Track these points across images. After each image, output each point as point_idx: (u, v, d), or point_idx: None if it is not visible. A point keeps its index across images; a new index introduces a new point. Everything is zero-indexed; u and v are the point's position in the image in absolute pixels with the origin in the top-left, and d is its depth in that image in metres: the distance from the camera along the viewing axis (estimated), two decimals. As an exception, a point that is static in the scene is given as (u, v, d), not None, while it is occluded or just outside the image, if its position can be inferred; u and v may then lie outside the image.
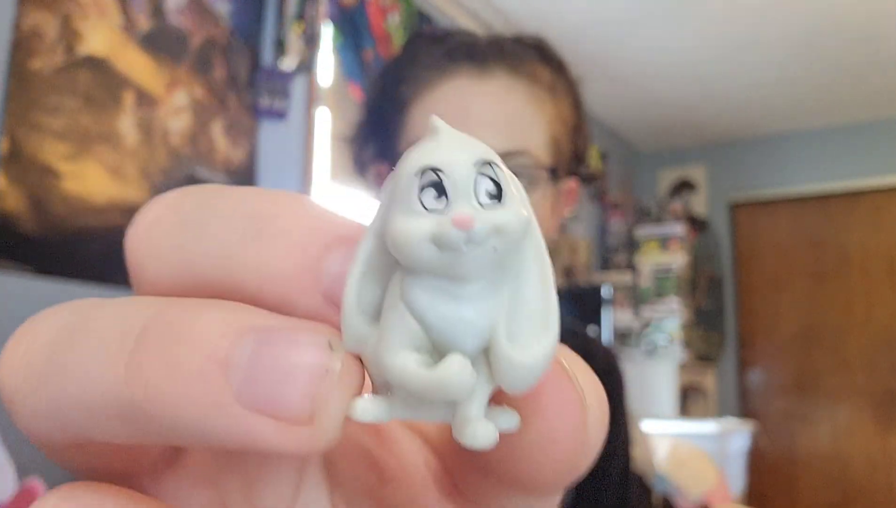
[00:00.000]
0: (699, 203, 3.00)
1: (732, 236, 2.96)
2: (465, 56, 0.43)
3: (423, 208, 0.09)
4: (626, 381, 0.54)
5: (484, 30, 1.97)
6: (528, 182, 0.43)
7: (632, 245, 2.66)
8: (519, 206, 0.09)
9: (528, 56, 0.45)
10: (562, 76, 0.47)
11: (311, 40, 1.30)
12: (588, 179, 0.51)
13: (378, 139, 0.47)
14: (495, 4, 1.93)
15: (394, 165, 0.37)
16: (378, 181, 0.48)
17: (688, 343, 2.45)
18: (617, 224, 2.70)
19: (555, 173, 0.45)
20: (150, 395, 0.08)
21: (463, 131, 0.35)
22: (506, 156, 0.42)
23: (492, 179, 0.09)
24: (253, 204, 0.09)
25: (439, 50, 0.44)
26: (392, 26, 1.53)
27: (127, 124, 1.12)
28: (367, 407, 0.09)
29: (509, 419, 0.09)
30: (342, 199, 1.45)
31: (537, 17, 2.00)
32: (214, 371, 0.08)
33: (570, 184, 0.48)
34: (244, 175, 1.31)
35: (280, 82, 1.28)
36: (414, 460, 0.12)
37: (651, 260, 2.50)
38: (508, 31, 2.00)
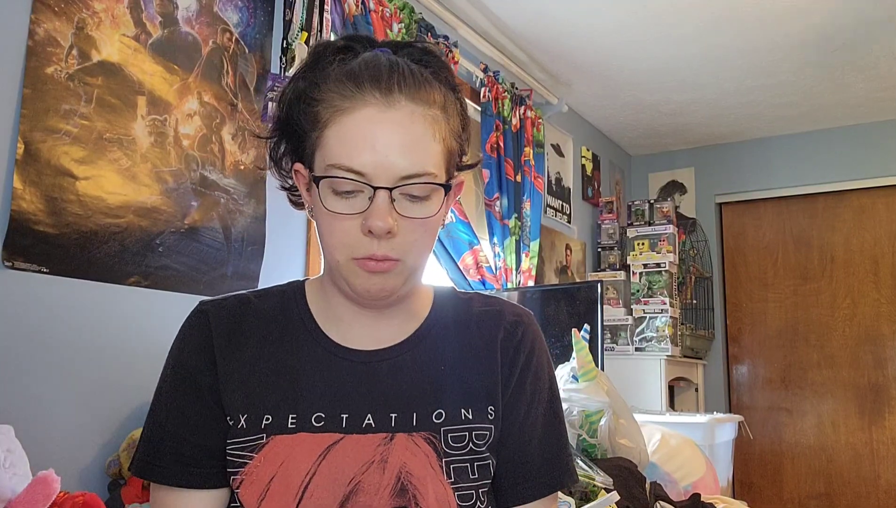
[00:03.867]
0: (688, 204, 3.07)
1: (720, 235, 3.04)
2: (372, 83, 0.50)
3: None
4: (537, 338, 0.60)
5: (481, 38, 2.02)
6: (427, 197, 0.51)
7: (624, 245, 2.72)
8: None
9: (425, 80, 0.52)
10: (451, 91, 0.54)
11: (317, 48, 1.33)
12: (468, 168, 0.59)
13: (292, 142, 0.55)
14: (492, 14, 1.98)
15: (308, 167, 0.49)
16: (295, 176, 0.56)
17: (677, 339, 2.52)
18: (609, 225, 2.76)
19: (448, 187, 0.53)
20: None
21: (372, 154, 0.47)
22: (410, 177, 0.50)
23: None
24: None
25: (348, 77, 0.51)
26: (395, 35, 1.57)
27: (140, 129, 1.15)
28: None
29: None
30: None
31: (532, 28, 2.05)
32: None
33: (459, 179, 0.57)
34: (253, 179, 1.34)
35: (287, 88, 1.31)
36: None
37: (642, 259, 2.56)
38: (502, 38, 2.03)
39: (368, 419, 0.52)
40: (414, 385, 0.54)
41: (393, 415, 0.53)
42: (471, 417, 0.54)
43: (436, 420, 0.53)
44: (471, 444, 0.54)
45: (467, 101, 1.27)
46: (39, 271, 1.00)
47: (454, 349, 0.57)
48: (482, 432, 0.54)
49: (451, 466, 0.52)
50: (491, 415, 0.55)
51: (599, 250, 2.77)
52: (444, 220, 0.56)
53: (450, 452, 0.53)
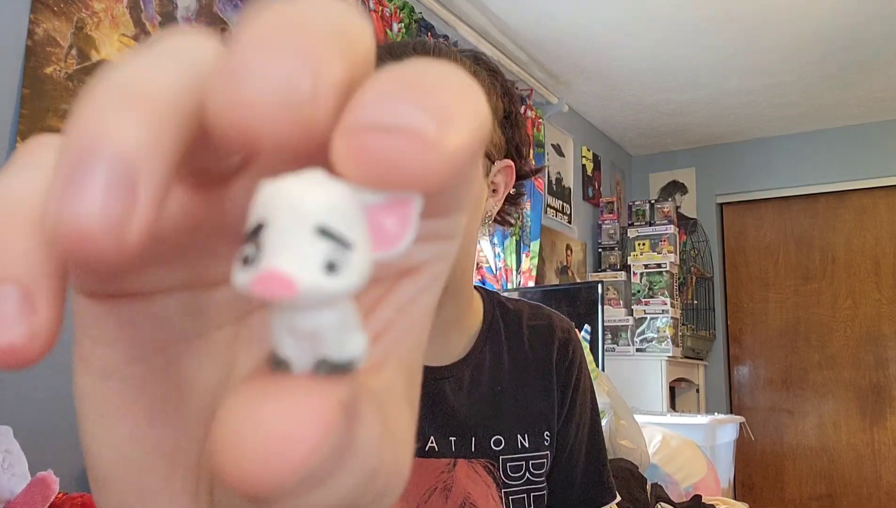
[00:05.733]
0: (689, 204, 3.06)
1: (721, 235, 3.03)
2: (386, 54, 0.48)
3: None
4: (582, 353, 0.59)
5: (481, 37, 2.02)
6: None
7: (624, 245, 2.71)
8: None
9: (451, 52, 0.50)
10: (489, 73, 0.52)
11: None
12: (527, 175, 0.55)
13: None
14: (492, 14, 1.98)
15: None
16: None
17: (678, 340, 2.51)
18: (610, 225, 2.76)
19: (486, 156, 0.49)
20: None
21: None
22: None
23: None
24: None
25: (388, 58, 0.48)
26: (395, 35, 1.57)
27: (139, 128, 1.15)
28: None
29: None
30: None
31: (532, 26, 2.05)
32: None
33: (506, 162, 0.53)
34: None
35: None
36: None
37: (642, 260, 2.56)
38: (502, 38, 2.00)
39: (431, 443, 0.50)
40: (472, 407, 0.52)
41: (452, 439, 0.51)
42: (527, 444, 0.53)
43: (494, 447, 0.52)
44: (527, 473, 0.52)
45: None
46: (38, 272, 1.00)
47: (509, 367, 0.55)
48: (539, 460, 0.53)
49: (511, 497, 0.51)
50: (547, 441, 0.54)
51: (600, 250, 2.76)
52: (491, 197, 0.51)
53: (508, 483, 0.51)
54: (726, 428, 2.08)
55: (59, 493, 0.85)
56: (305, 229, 0.08)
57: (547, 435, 0.54)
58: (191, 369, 0.12)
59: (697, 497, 1.28)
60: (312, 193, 0.08)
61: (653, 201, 2.69)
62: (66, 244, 0.08)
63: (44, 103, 1.01)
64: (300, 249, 0.08)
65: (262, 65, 0.08)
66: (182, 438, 0.12)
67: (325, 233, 0.08)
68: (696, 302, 2.84)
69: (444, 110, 0.09)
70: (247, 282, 0.08)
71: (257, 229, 0.08)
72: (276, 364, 0.09)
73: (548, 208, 2.45)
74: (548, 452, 0.54)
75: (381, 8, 1.56)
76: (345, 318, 0.09)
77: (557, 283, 2.43)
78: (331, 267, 0.08)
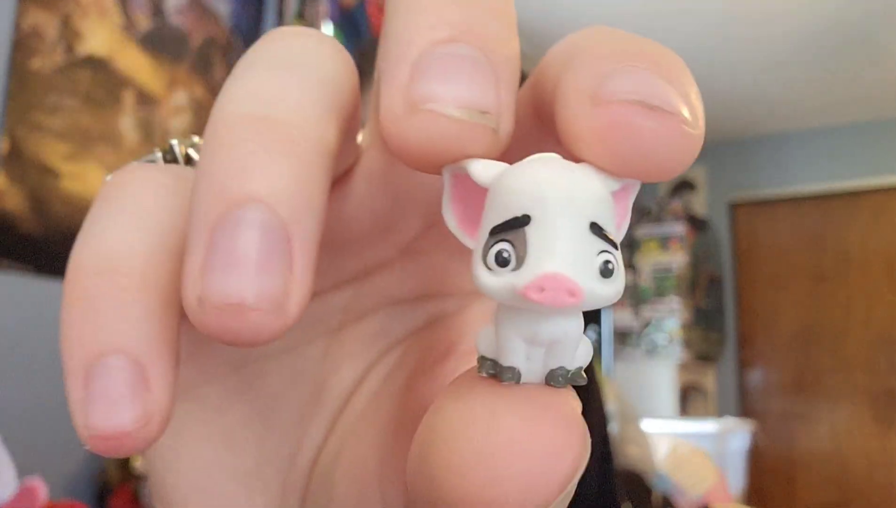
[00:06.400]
0: (699, 203, 3.00)
1: (732, 235, 2.97)
2: None
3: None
4: (592, 357, 0.57)
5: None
6: None
7: (632, 245, 2.66)
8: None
9: None
10: None
11: (312, 40, 1.30)
12: None
13: None
14: (495, 4, 1.94)
15: None
16: None
17: (687, 343, 2.46)
18: (617, 224, 2.71)
19: None
20: None
21: None
22: None
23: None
24: None
25: None
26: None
27: (127, 124, 1.12)
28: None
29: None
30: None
31: (537, 16, 2.00)
32: None
33: None
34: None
35: (280, 82, 1.28)
36: None
37: (651, 260, 2.51)
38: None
39: None
40: None
41: None
42: None
43: None
44: None
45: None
46: (25, 272, 0.98)
47: None
48: None
49: None
50: None
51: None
52: None
53: None
54: (738, 436, 2.03)
55: (47, 501, 0.82)
56: (581, 226, 0.08)
57: None
58: (274, 387, 0.11)
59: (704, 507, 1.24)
60: (583, 185, 0.08)
61: (661, 199, 2.64)
62: (216, 323, 0.07)
63: (31, 98, 0.99)
64: (578, 250, 0.07)
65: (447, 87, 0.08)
66: (263, 462, 0.11)
67: (598, 231, 0.08)
68: (706, 304, 2.78)
69: (690, 96, 0.08)
70: (514, 285, 0.07)
71: (514, 224, 0.08)
72: (499, 373, 0.08)
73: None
74: None
75: None
76: (581, 324, 0.08)
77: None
78: (605, 271, 0.08)
